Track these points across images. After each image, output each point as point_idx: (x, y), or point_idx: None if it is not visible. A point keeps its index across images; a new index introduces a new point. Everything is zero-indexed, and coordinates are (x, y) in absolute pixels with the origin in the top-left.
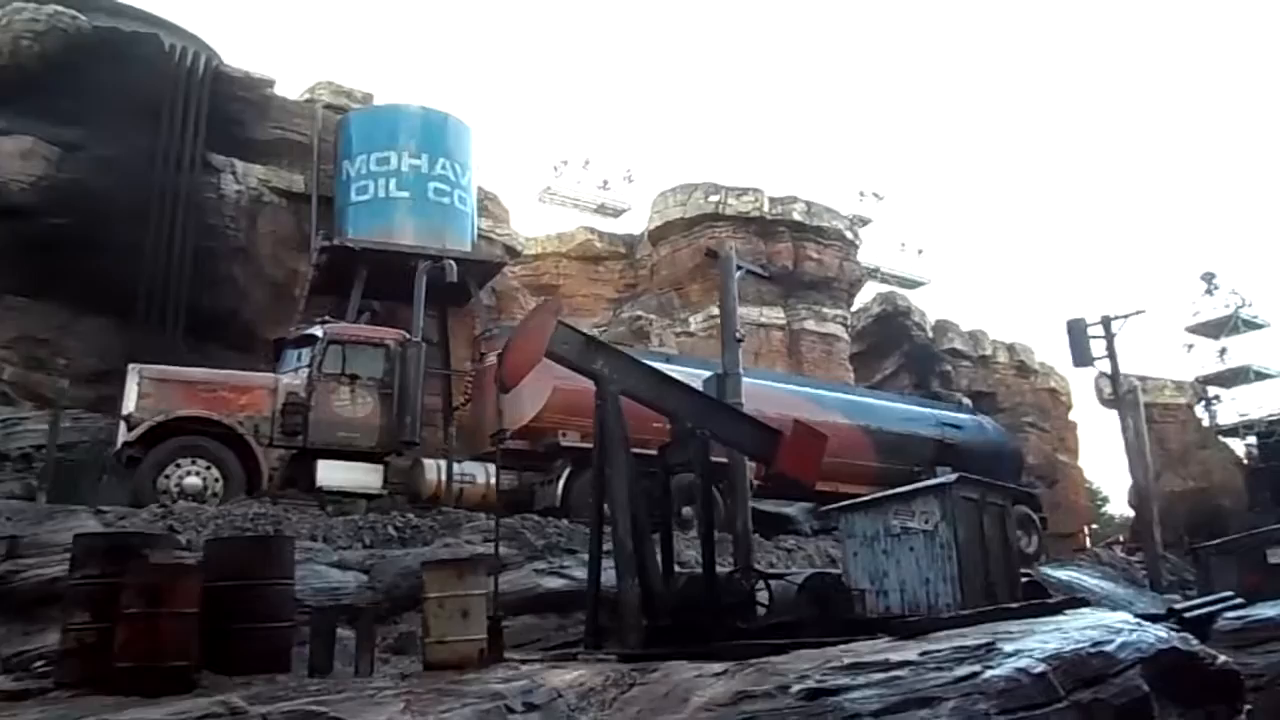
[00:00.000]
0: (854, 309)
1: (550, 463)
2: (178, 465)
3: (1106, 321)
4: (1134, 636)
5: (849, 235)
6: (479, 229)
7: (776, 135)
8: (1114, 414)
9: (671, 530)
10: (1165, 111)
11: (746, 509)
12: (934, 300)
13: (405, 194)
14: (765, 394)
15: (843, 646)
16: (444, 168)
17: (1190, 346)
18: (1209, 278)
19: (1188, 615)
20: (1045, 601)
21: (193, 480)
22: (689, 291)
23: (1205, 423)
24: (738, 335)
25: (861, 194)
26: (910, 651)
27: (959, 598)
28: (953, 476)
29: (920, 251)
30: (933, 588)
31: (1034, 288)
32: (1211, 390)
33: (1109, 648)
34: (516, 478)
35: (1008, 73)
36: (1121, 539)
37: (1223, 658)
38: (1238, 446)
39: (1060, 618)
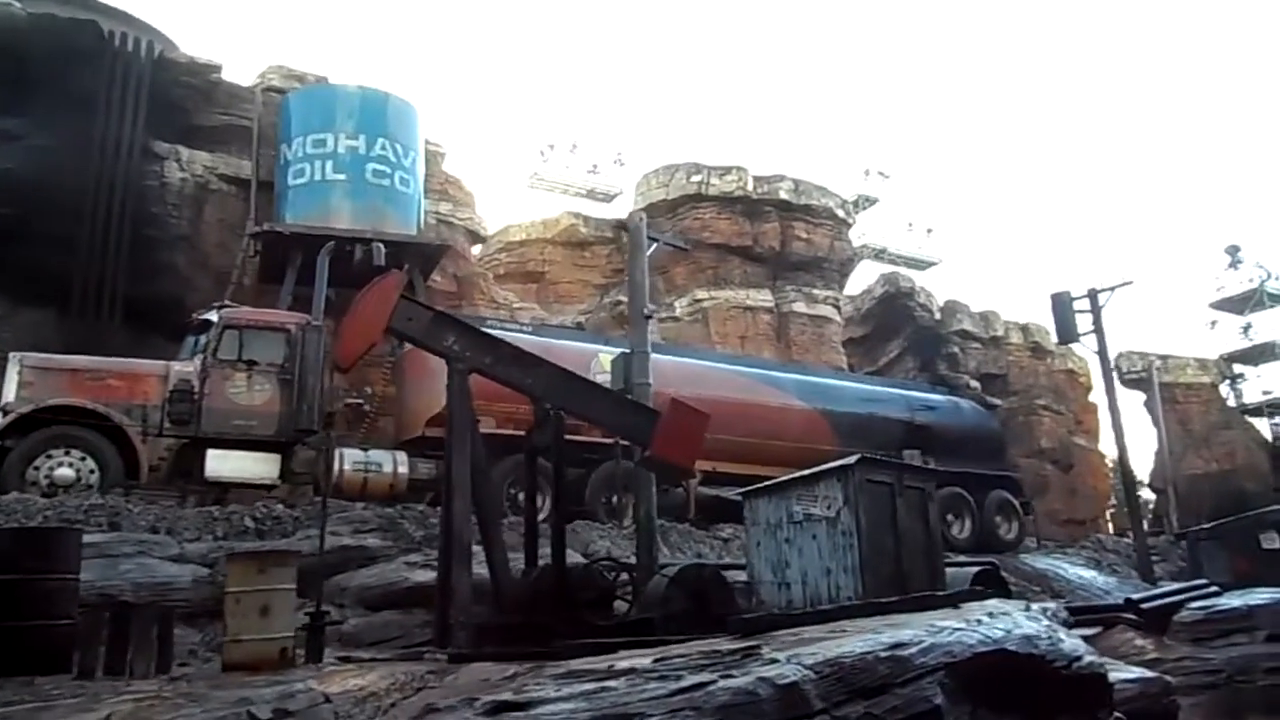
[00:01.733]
0: (858, 291)
1: None
2: (49, 456)
3: (1093, 294)
4: (953, 637)
5: (840, 213)
6: (438, 213)
7: (779, 115)
8: (1138, 394)
9: (537, 520)
10: (1187, 80)
11: (651, 497)
12: (946, 281)
13: (342, 176)
14: (710, 376)
15: (664, 648)
16: (384, 149)
17: (1214, 323)
18: (1233, 251)
19: (1145, 607)
20: (934, 594)
21: (65, 471)
22: (673, 275)
23: (1231, 402)
24: (646, 312)
25: (866, 172)
26: (646, 657)
27: (860, 589)
28: (854, 457)
29: (930, 231)
30: (834, 579)
31: (1051, 266)
32: (1236, 368)
33: (907, 651)
34: (436, 467)
35: (1023, 43)
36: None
37: (1089, 659)
38: (1263, 427)
39: (938, 613)
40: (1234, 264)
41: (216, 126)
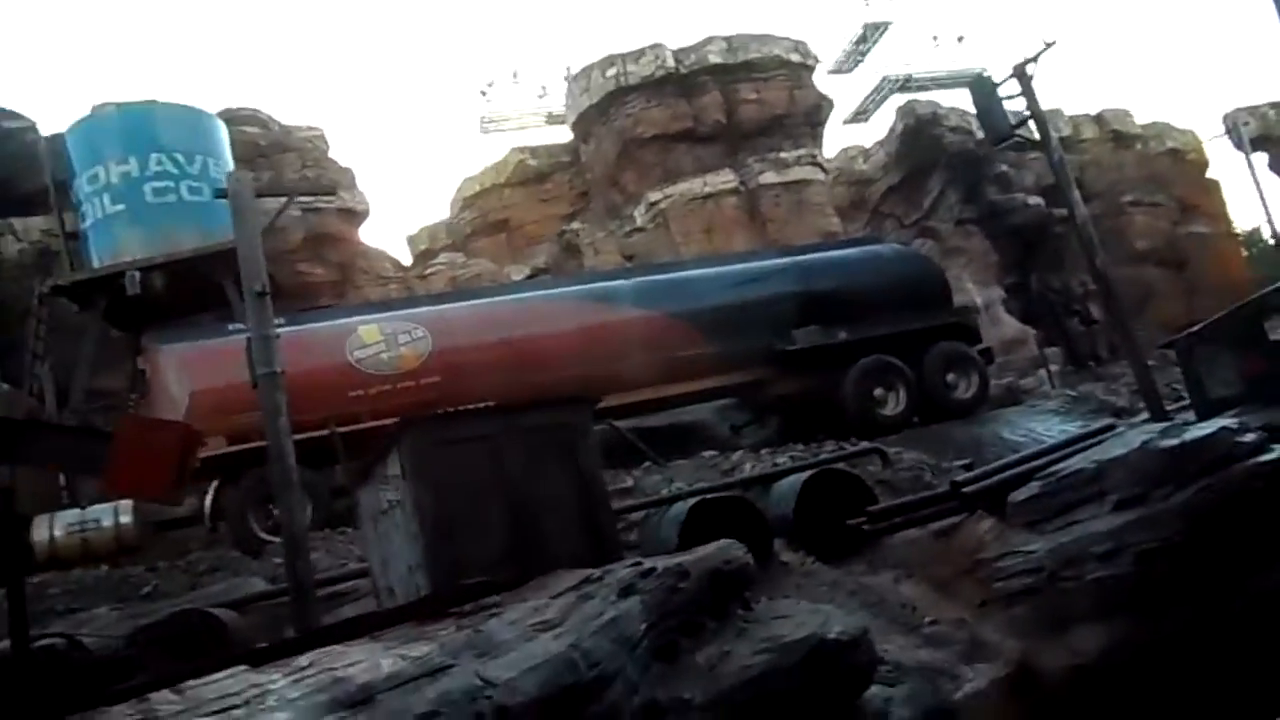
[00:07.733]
0: (884, 134)
1: (203, 479)
2: None
3: (1020, 70)
4: None
5: (794, 58)
6: (302, 202)
7: None
8: (1261, 156)
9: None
10: None
11: (298, 502)
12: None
13: (121, 206)
14: (509, 314)
15: None
16: (160, 163)
17: None
18: None
19: (966, 490)
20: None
21: None
22: (624, 183)
23: None
24: (258, 288)
25: None
26: None
27: (424, 587)
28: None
29: (961, 39)
30: (415, 577)
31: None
32: None
33: None
34: (185, 508)
35: None
36: None
37: None
38: None
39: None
40: None
41: (47, 187)
